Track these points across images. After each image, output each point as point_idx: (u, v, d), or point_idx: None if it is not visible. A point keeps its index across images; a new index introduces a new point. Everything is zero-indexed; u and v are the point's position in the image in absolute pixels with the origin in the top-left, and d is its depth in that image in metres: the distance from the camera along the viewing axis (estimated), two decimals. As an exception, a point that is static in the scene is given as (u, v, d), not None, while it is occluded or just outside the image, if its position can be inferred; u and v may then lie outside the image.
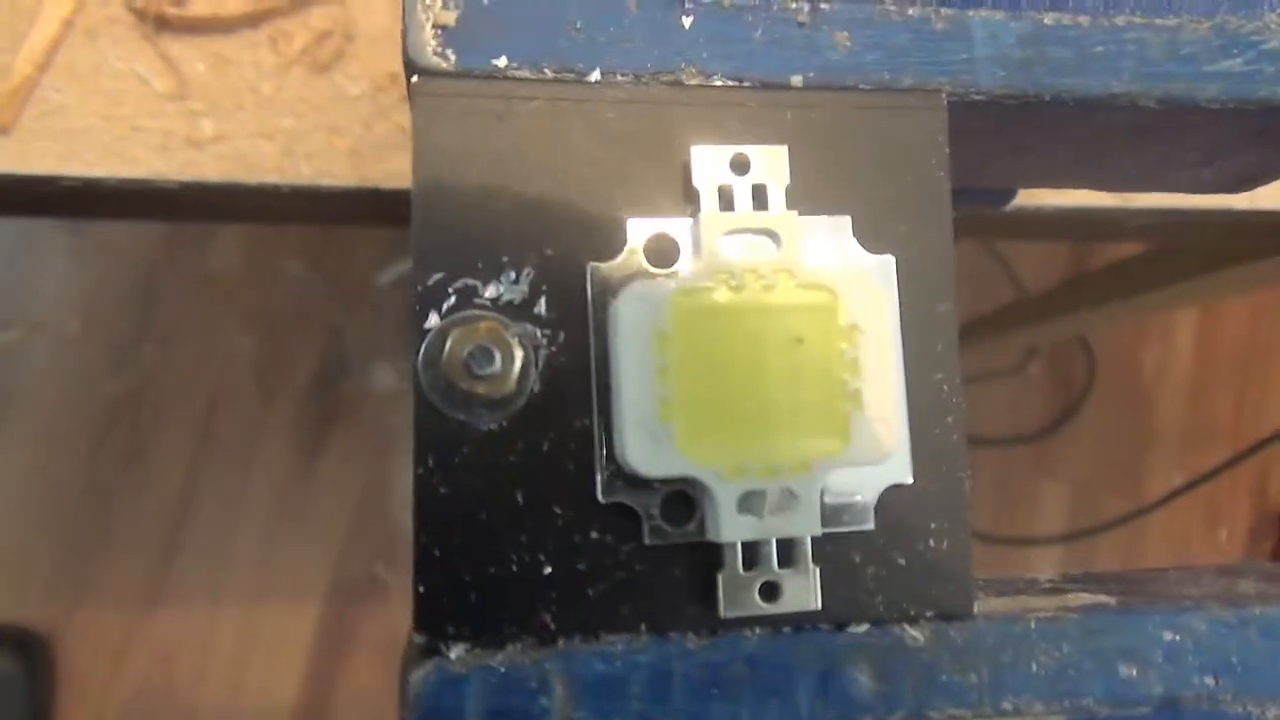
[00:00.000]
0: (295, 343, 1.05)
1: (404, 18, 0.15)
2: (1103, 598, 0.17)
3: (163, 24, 0.35)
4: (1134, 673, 0.16)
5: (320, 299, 1.10)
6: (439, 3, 0.15)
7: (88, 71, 0.35)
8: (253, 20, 0.36)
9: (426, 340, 0.14)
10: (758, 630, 0.15)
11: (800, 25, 0.16)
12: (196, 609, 0.91)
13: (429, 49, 0.15)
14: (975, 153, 0.19)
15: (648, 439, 0.14)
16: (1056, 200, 0.39)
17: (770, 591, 0.15)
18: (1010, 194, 0.25)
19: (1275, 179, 0.22)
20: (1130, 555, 1.37)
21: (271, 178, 0.36)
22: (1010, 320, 1.24)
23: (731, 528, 0.14)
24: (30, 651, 0.82)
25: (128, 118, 0.35)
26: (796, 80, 0.16)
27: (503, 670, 0.14)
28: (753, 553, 0.15)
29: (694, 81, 0.16)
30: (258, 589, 0.96)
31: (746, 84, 0.16)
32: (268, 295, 1.11)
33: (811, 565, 0.15)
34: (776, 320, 0.15)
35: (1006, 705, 0.15)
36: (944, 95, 0.16)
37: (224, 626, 0.92)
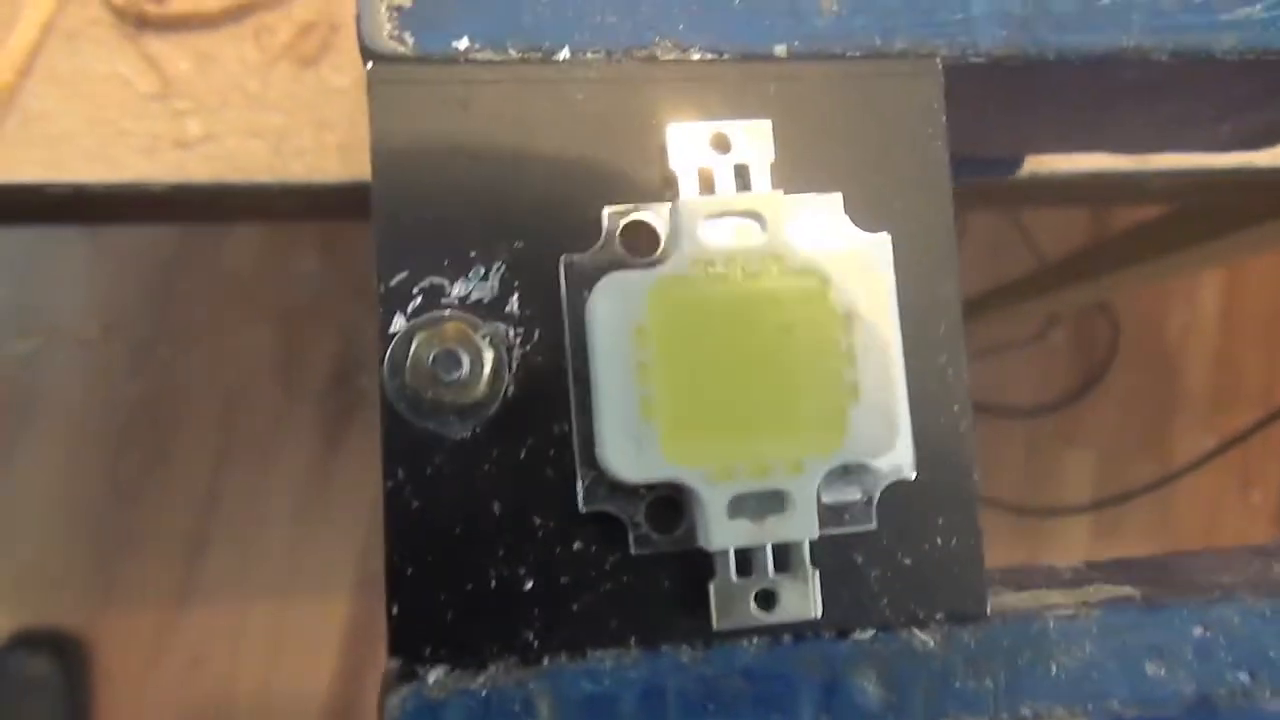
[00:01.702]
0: (312, 339, 1.05)
1: (357, 1, 0.14)
2: (1127, 589, 0.16)
3: (144, 23, 0.35)
4: (1162, 671, 0.15)
5: (336, 295, 1.10)
6: (393, -17, 0.14)
7: (69, 75, 0.34)
8: (235, 15, 0.35)
9: (391, 345, 0.13)
10: (755, 640, 0.14)
11: (782, -10, 0.15)
12: (226, 605, 0.92)
13: (385, 33, 0.14)
14: (976, 119, 0.18)
15: (629, 441, 0.13)
16: (1071, 165, 0.37)
17: (767, 600, 0.14)
18: (1017, 162, 0.23)
19: (1301, 135, 0.21)
20: (1160, 522, 1.35)
21: (262, 177, 0.35)
22: (1031, 288, 1.22)
23: (722, 533, 0.13)
24: (66, 653, 0.83)
25: (113, 121, 0.34)
26: (780, 50, 0.15)
27: (484, 694, 0.13)
28: (747, 559, 0.14)
29: (669, 56, 0.15)
30: (286, 584, 0.97)
31: (726, 56, 0.15)
32: (284, 293, 1.11)
33: (810, 570, 0.14)
34: (764, 309, 0.14)
35: (1025, 711, 0.14)
36: (939, 59, 0.15)
37: (254, 622, 0.92)
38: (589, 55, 0.14)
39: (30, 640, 0.82)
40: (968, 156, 0.22)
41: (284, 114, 0.35)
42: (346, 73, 0.36)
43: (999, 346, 1.52)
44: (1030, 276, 1.33)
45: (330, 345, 1.05)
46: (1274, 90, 0.18)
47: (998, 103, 0.18)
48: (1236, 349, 1.52)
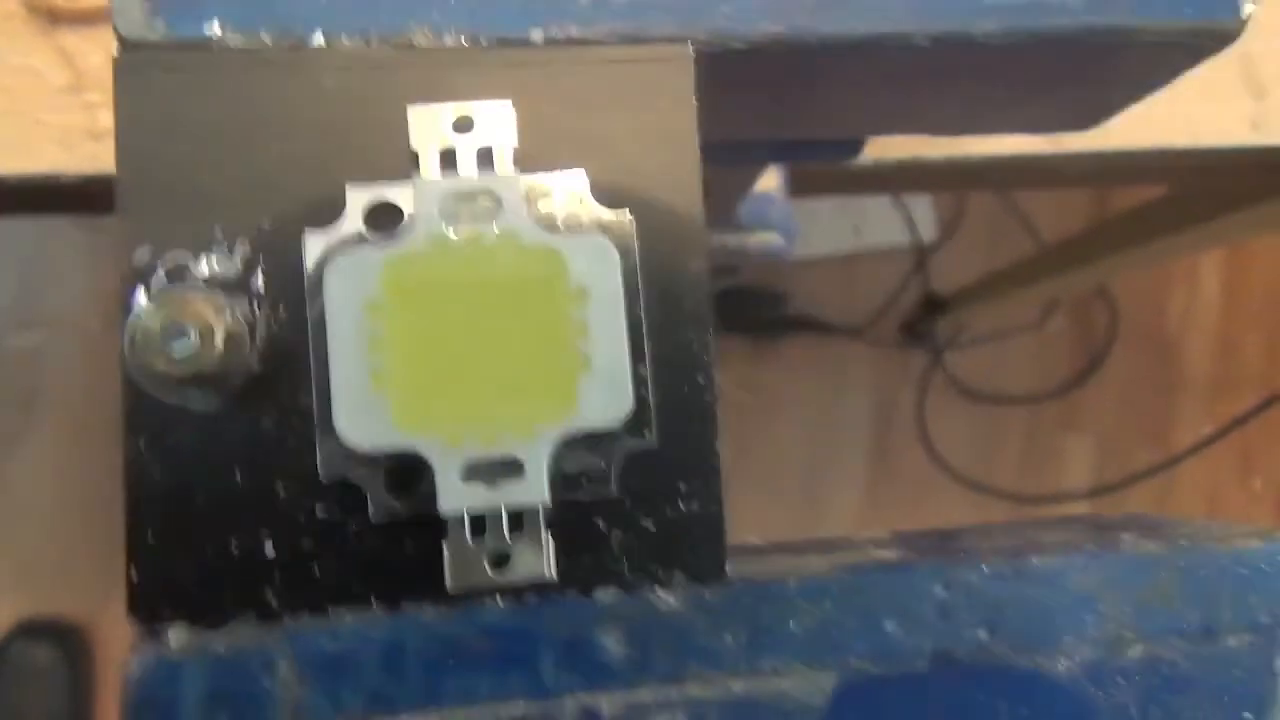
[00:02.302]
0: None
1: (114, -10, 0.15)
2: (888, 553, 0.17)
3: (56, 17, 0.35)
4: (899, 629, 0.15)
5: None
6: (150, -28, 0.15)
7: (-18, 68, 0.35)
8: (147, 8, 0.36)
9: (129, 320, 0.14)
10: (500, 600, 0.15)
11: (538, -23, 0.16)
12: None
13: (137, 18, 0.15)
14: (775, 105, 0.19)
15: (362, 412, 0.14)
16: (984, 149, 0.38)
17: (500, 561, 0.14)
18: (856, 146, 0.24)
19: (1117, 111, 0.21)
20: (1160, 507, 1.34)
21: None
22: (1029, 274, 1.22)
23: (453, 497, 0.14)
24: (69, 642, 0.84)
25: (27, 112, 0.35)
26: (536, 35, 0.15)
27: (223, 651, 0.14)
28: (481, 523, 0.14)
29: (425, 42, 0.15)
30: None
31: (483, 41, 0.15)
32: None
33: (544, 533, 0.14)
34: (497, 286, 0.14)
35: (765, 666, 0.15)
36: (692, 46, 0.16)
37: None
38: (344, 40, 0.15)
39: (33, 630, 0.84)
40: (801, 142, 0.22)
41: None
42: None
43: (998, 333, 1.52)
44: (1029, 262, 1.32)
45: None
46: (1060, 73, 0.18)
47: (786, 87, 0.18)
48: (1237, 333, 1.51)
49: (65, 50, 0.36)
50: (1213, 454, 1.19)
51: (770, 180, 0.32)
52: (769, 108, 0.19)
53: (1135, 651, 0.16)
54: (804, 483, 1.24)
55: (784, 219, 0.33)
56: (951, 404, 1.49)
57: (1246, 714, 0.16)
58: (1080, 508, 1.37)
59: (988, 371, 1.49)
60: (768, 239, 0.32)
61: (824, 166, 0.29)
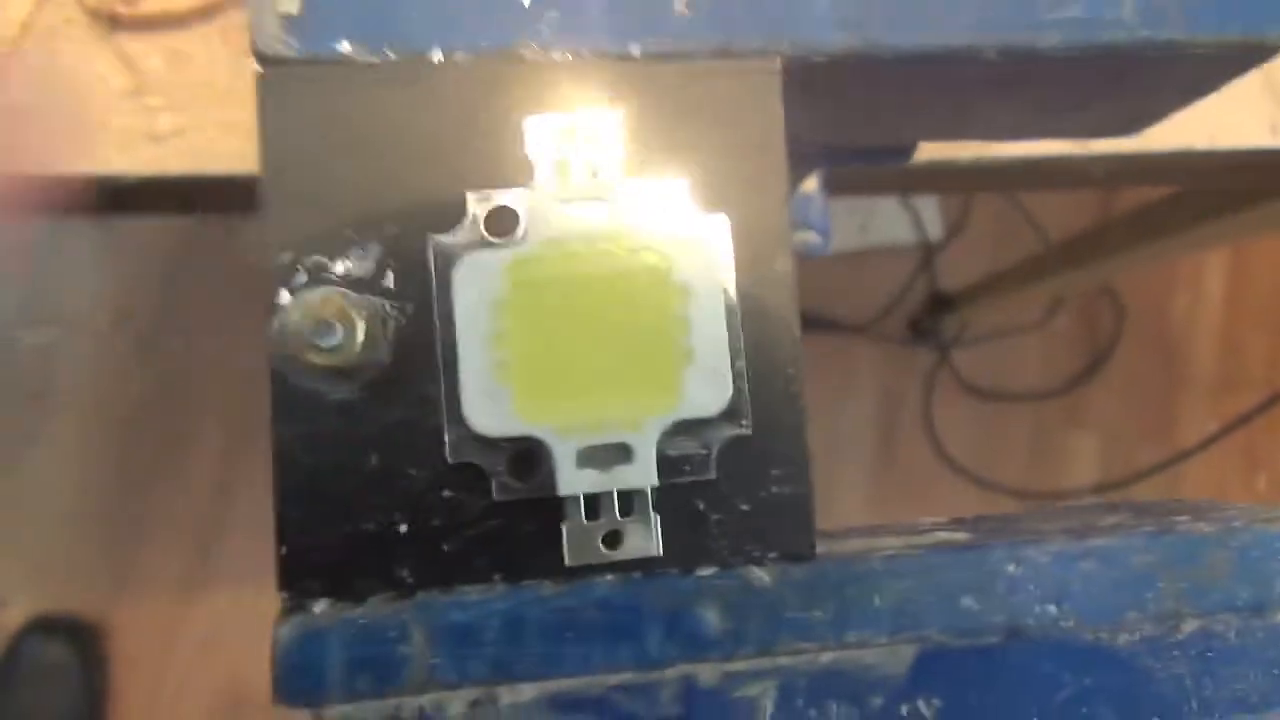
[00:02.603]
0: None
1: (249, 9, 0.16)
2: (960, 535, 0.18)
3: (116, 23, 0.37)
4: (976, 604, 0.16)
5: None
6: (283, -6, 0.16)
7: (46, 72, 0.36)
8: (204, 14, 0.37)
9: (276, 316, 0.15)
10: (609, 576, 0.16)
11: (638, -4, 0.17)
12: (239, 590, 0.93)
13: (274, 38, 0.16)
14: (835, 112, 0.20)
15: (488, 401, 0.15)
16: (1013, 151, 0.39)
17: (613, 539, 0.15)
18: (907, 152, 0.25)
19: (1163, 118, 0.22)
20: (1164, 504, 1.34)
21: (234, 168, 0.37)
22: (1035, 272, 1.23)
23: (571, 481, 0.15)
24: (83, 639, 0.85)
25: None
26: (635, 49, 0.17)
27: (363, 621, 0.15)
28: (596, 504, 0.15)
29: (533, 56, 0.16)
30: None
31: (585, 55, 0.17)
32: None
33: (652, 514, 0.16)
34: (608, 285, 0.15)
35: (850, 638, 0.16)
36: (779, 59, 0.17)
37: (267, 606, 0.94)
38: (459, 56, 0.16)
39: (47, 626, 0.85)
40: (856, 147, 0.23)
41: (252, 108, 0.37)
42: (310, 68, 0.37)
43: (1004, 330, 1.53)
44: (1034, 260, 1.33)
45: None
46: (1114, 82, 0.19)
47: (857, 97, 0.19)
48: (1241, 331, 1.53)
49: (126, 55, 0.37)
50: (1217, 451, 1.20)
51: (810, 182, 0.33)
52: (833, 114, 0.20)
53: (1190, 626, 0.17)
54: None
55: (821, 219, 0.34)
56: (958, 401, 1.50)
57: (1293, 684, 0.17)
58: (1086, 504, 1.37)
59: (994, 369, 1.50)
60: (807, 238, 0.33)
61: (870, 170, 0.30)
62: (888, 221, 1.51)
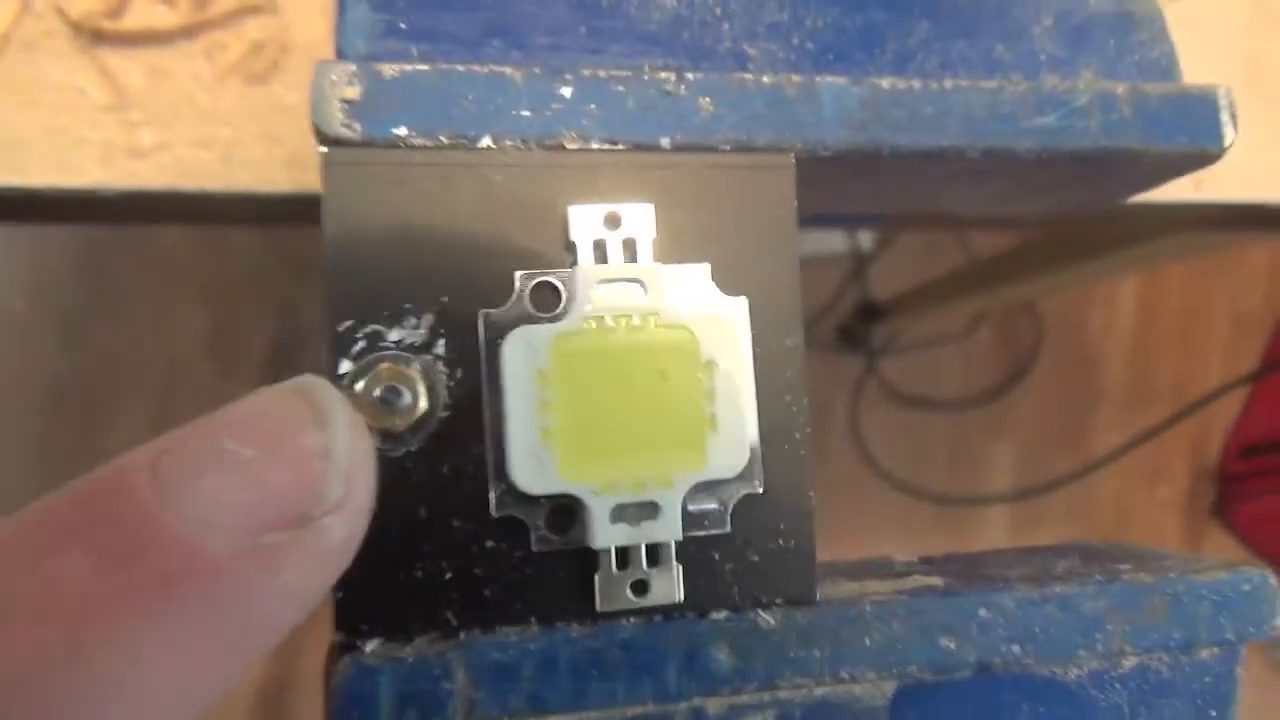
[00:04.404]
0: (250, 316, 1.05)
1: (312, 93, 0.17)
2: (935, 579, 0.20)
3: (99, 37, 0.37)
4: (952, 644, 0.19)
5: (273, 273, 1.10)
6: (344, 80, 0.17)
7: (27, 84, 0.36)
8: (188, 32, 0.38)
9: (345, 384, 0.16)
10: (632, 620, 0.18)
11: (668, 94, 0.18)
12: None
13: (336, 121, 0.17)
14: (835, 191, 0.22)
15: (533, 462, 0.17)
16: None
17: (640, 588, 0.17)
18: (882, 219, 0.27)
19: (1113, 204, 0.25)
20: (1077, 512, 1.42)
21: (212, 185, 0.38)
22: (961, 286, 1.28)
23: (605, 535, 0.17)
24: None
25: (68, 129, 0.37)
26: (665, 142, 0.18)
27: (411, 660, 0.16)
28: (625, 556, 0.17)
29: (574, 145, 0.18)
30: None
31: (620, 146, 0.18)
32: (220, 268, 1.11)
33: (675, 564, 0.17)
34: (643, 357, 0.17)
35: (844, 674, 0.18)
36: (793, 154, 0.19)
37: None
38: (506, 143, 0.18)
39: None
40: (838, 214, 0.26)
41: (233, 127, 0.38)
42: (294, 90, 0.38)
43: (929, 341, 1.59)
44: (961, 274, 1.38)
45: (267, 324, 1.05)
46: (1075, 179, 0.22)
47: (853, 181, 0.21)
48: (1151, 349, 1.61)
49: (107, 69, 0.37)
50: (1125, 462, 1.27)
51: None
52: (829, 193, 0.23)
53: (1130, 662, 0.20)
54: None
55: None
56: (883, 408, 1.55)
57: (1213, 712, 0.20)
58: (1002, 511, 1.44)
59: (918, 377, 1.55)
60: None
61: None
62: (821, 231, 1.55)
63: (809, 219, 0.20)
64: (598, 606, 0.17)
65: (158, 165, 0.37)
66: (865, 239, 1.51)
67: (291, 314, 1.04)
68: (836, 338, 1.53)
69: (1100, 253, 0.86)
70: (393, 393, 0.16)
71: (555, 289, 0.17)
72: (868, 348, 1.52)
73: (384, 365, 0.16)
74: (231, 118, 0.38)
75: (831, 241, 1.54)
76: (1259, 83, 0.46)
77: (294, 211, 0.40)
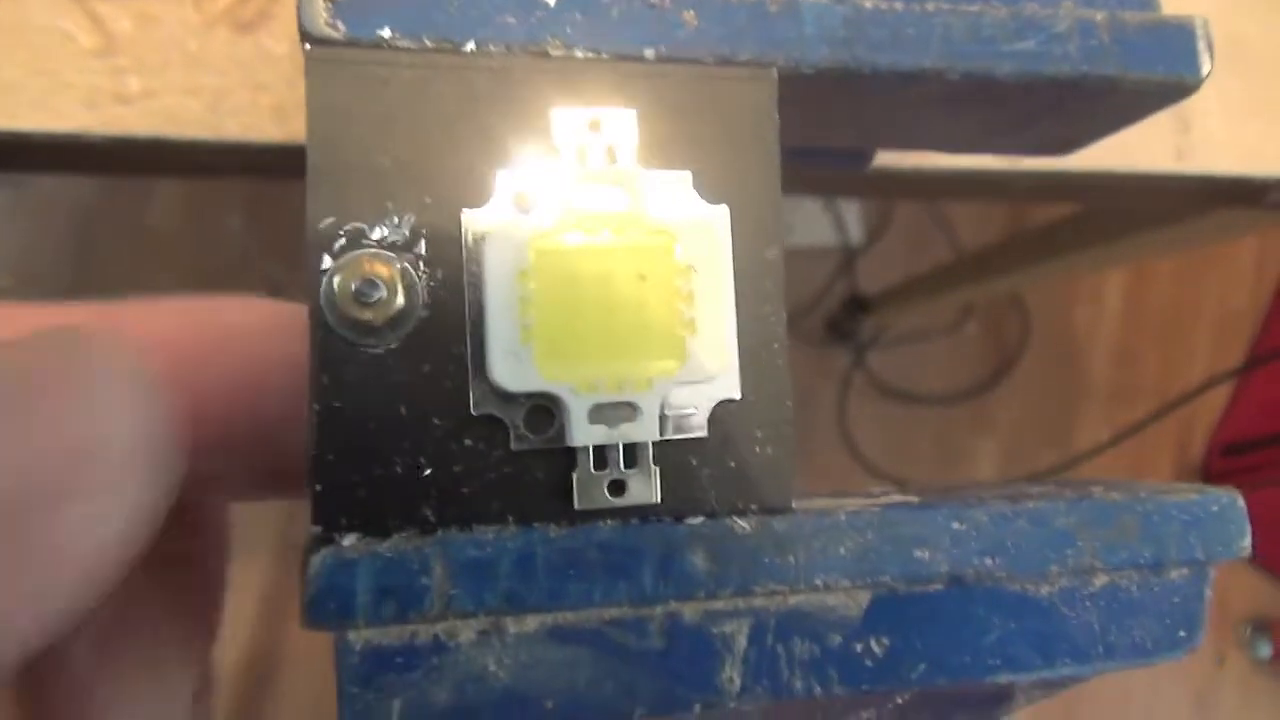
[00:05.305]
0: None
1: (299, -8, 0.17)
2: (912, 498, 0.20)
3: (87, -18, 0.37)
4: (925, 555, 0.19)
5: (259, 253, 1.10)
6: (331, -20, 0.17)
7: (14, 27, 0.36)
8: (176, -21, 0.38)
9: (325, 276, 0.16)
10: (609, 522, 0.18)
11: (653, 6, 0.19)
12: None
13: (321, 20, 0.17)
14: (815, 117, 0.22)
15: (512, 360, 0.17)
16: (948, 164, 0.42)
17: (617, 488, 0.17)
18: (865, 158, 0.27)
19: (1090, 143, 0.25)
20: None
21: (199, 134, 0.38)
22: (948, 280, 1.28)
23: (583, 434, 0.17)
24: None
25: (55, 73, 0.36)
26: (649, 53, 0.19)
27: (388, 554, 0.16)
28: (602, 456, 0.17)
29: (558, 53, 0.18)
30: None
31: (604, 55, 0.18)
32: (206, 248, 1.11)
33: (652, 466, 0.17)
34: (623, 259, 0.17)
35: (818, 581, 0.18)
36: (775, 69, 0.19)
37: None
38: (491, 48, 0.18)
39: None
40: (818, 148, 0.26)
41: (221, 75, 0.38)
42: (283, 40, 0.38)
43: (916, 335, 1.59)
44: (948, 268, 1.39)
45: (253, 306, 1.04)
46: (1054, 108, 0.22)
47: (833, 104, 0.21)
48: (1136, 345, 1.62)
49: (96, 15, 0.37)
50: (1109, 458, 1.28)
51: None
52: (811, 122, 0.23)
53: (1101, 580, 0.20)
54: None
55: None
56: (871, 401, 1.55)
57: (1181, 631, 0.20)
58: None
59: (905, 371, 1.56)
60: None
61: (831, 172, 0.33)
62: (810, 224, 1.55)
63: (791, 153, 0.20)
64: (575, 504, 0.17)
65: (144, 112, 0.37)
66: (854, 232, 1.52)
67: (275, 295, 1.03)
68: (824, 331, 1.53)
69: (1086, 246, 0.87)
70: (369, 286, 0.16)
71: (537, 190, 0.17)
72: (856, 341, 1.52)
73: (365, 260, 0.16)
74: (220, 66, 0.38)
75: (820, 234, 1.55)
76: (1239, 58, 0.46)
77: (280, 164, 0.40)
